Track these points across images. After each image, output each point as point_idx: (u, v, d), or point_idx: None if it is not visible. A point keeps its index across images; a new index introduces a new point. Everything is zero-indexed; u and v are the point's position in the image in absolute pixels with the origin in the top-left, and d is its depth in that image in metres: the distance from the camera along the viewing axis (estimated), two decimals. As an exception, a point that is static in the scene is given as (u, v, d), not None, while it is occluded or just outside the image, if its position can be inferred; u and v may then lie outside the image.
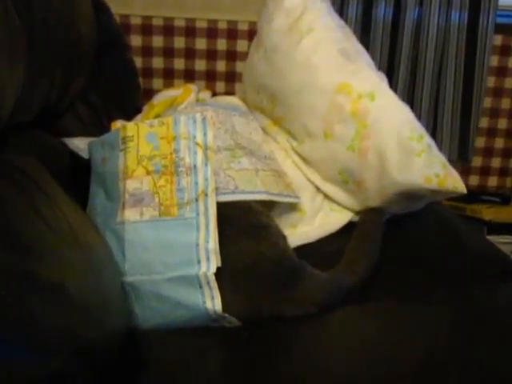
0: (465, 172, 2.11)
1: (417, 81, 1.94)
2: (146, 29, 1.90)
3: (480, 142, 2.09)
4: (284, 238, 0.85)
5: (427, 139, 0.96)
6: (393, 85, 1.91)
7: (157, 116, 1.13)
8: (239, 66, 1.95)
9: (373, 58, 1.12)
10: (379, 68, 1.11)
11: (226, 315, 0.74)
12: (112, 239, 0.77)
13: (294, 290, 0.79)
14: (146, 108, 1.28)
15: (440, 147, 1.02)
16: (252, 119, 1.07)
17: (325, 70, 1.03)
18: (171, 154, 0.78)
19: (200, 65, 1.95)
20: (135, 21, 1.90)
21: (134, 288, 0.75)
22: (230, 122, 0.99)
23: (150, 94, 1.59)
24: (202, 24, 1.91)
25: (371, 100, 0.98)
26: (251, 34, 1.88)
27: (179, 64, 1.95)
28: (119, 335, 0.67)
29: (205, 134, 0.79)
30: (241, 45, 1.93)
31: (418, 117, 1.03)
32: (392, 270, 0.91)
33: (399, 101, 1.01)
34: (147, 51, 1.92)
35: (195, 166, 0.78)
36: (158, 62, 1.94)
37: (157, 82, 1.95)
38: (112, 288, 0.70)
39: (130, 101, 1.34)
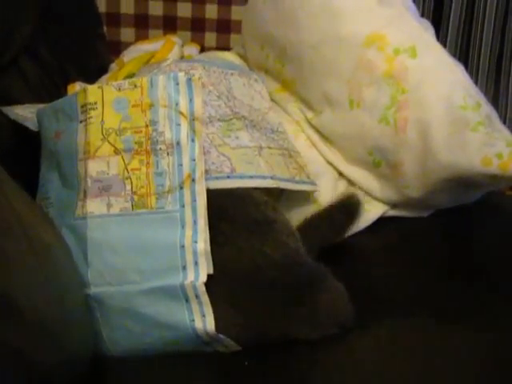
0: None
1: (473, 31, 1.93)
2: (112, -39, 1.90)
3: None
4: (296, 236, 0.86)
5: (486, 108, 0.97)
6: (441, 36, 1.90)
7: (128, 77, 1.14)
8: (236, 12, 1.94)
9: (414, 0, 1.12)
10: (423, 14, 1.12)
11: (221, 336, 0.75)
12: (70, 238, 0.78)
13: (310, 305, 0.80)
14: (113, 66, 1.29)
15: (504, 119, 1.03)
16: (256, 79, 1.08)
17: (351, 17, 1.03)
18: (147, 126, 0.79)
19: (183, 9, 1.95)
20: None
21: (100, 302, 0.76)
22: (226, 84, 0.99)
23: (117, 47, 1.60)
24: (186, -46, 1.91)
25: (412, 57, 0.99)
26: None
27: (156, 9, 1.94)
28: (82, 362, 0.68)
29: (191, 100, 0.80)
30: (238, -18, 1.93)
31: (475, 79, 1.04)
32: (434, 281, 0.92)
33: (449, 58, 1.01)
34: (113, -9, 1.92)
35: (178, 143, 0.79)
36: (127, 6, 1.93)
37: (126, 33, 1.95)
38: (73, 301, 0.71)
39: (91, 56, 1.35)
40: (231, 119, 0.92)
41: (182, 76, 0.80)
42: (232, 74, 1.03)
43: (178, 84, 0.80)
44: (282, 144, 0.98)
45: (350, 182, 1.10)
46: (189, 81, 0.80)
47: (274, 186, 0.89)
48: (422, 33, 1.03)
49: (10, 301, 0.54)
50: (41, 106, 0.92)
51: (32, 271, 0.61)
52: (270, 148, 0.94)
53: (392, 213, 1.09)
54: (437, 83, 0.98)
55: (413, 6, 1.10)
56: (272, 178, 0.89)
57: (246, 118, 0.95)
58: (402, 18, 1.04)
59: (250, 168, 0.87)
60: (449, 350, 0.78)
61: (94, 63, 1.33)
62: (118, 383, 0.74)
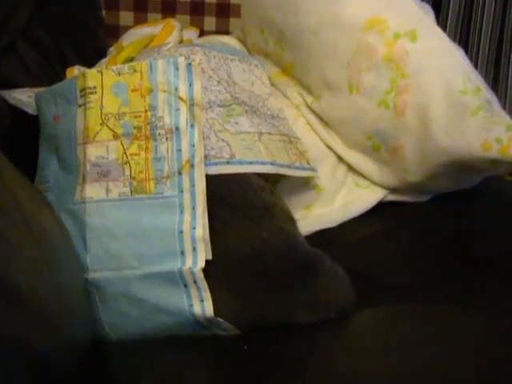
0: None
1: (474, 15, 1.92)
2: None
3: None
4: (293, 221, 0.87)
5: (486, 93, 0.96)
6: (441, 21, 1.89)
7: (127, 61, 1.14)
8: (235, -5, 1.93)
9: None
10: (423, -2, 1.11)
11: (220, 320, 0.76)
12: (69, 223, 0.78)
13: (308, 289, 0.80)
14: (112, 50, 1.28)
15: (503, 104, 1.03)
16: (256, 65, 1.07)
17: (350, 0, 1.02)
18: (146, 111, 0.79)
19: (183, -7, 1.94)
20: None
21: (99, 287, 0.76)
22: (226, 69, 0.99)
23: (116, 31, 1.59)
24: None
25: (412, 41, 0.98)
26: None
27: (154, -9, 1.93)
28: (81, 348, 0.68)
29: (190, 85, 0.80)
30: (238, -35, 1.91)
31: (475, 64, 1.03)
32: (434, 266, 0.92)
33: (449, 42, 1.01)
34: (112, -26, 1.91)
35: (178, 128, 0.78)
36: (126, -11, 1.93)
37: (125, 16, 1.94)
38: (73, 287, 0.71)
39: (90, 40, 1.34)
40: (231, 105, 0.92)
41: (181, 61, 0.80)
42: (232, 60, 1.02)
43: (177, 69, 0.80)
44: (282, 130, 0.98)
45: (350, 167, 1.10)
46: (188, 66, 0.80)
47: (274, 171, 0.89)
48: (423, 17, 1.02)
49: (10, 287, 0.54)
50: (39, 89, 0.92)
51: (32, 257, 0.61)
52: (270, 134, 0.93)
53: (391, 197, 1.09)
54: (437, 67, 0.98)
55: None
56: (272, 163, 0.89)
57: (246, 104, 0.95)
58: (402, 1, 1.03)
59: (250, 154, 0.87)
60: (448, 336, 0.77)
61: (93, 47, 1.33)
62: (117, 368, 0.74)
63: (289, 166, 0.93)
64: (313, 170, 0.99)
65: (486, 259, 0.94)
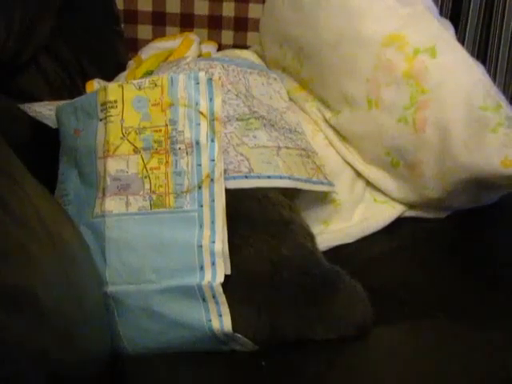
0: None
1: (492, 30, 1.92)
2: (130, -42, 1.90)
3: None
4: (312, 237, 0.86)
5: (506, 109, 0.96)
6: (459, 35, 1.89)
7: (146, 74, 1.14)
8: (253, 10, 1.94)
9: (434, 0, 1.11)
10: (442, 13, 1.11)
11: (239, 336, 0.75)
12: (89, 236, 0.78)
13: (326, 305, 0.80)
14: (131, 64, 1.29)
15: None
16: (274, 78, 1.08)
17: (370, 16, 1.03)
18: (166, 125, 0.79)
19: (200, 7, 1.95)
20: None
21: (118, 301, 0.76)
22: (244, 83, 0.99)
23: (135, 45, 1.60)
24: (203, -48, 1.91)
25: (432, 56, 0.98)
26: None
27: (173, 6, 1.94)
28: (100, 361, 0.68)
29: (211, 100, 0.80)
30: (256, -20, 1.92)
31: (493, 79, 1.03)
32: (452, 283, 0.92)
33: (469, 58, 1.01)
34: (131, -12, 1.92)
35: (198, 143, 0.79)
36: (145, 3, 1.94)
37: (143, 30, 1.95)
38: (92, 300, 0.71)
39: (109, 54, 1.35)
40: (249, 118, 0.92)
41: (202, 76, 0.80)
42: (251, 73, 1.03)
43: (198, 83, 0.80)
44: (299, 144, 0.98)
45: (368, 182, 1.10)
46: (209, 81, 0.80)
47: (292, 186, 0.89)
48: (442, 32, 1.02)
49: (32, 299, 0.55)
50: (60, 103, 0.93)
51: (53, 270, 0.61)
52: (287, 148, 0.93)
53: (410, 213, 1.09)
54: (457, 83, 0.97)
55: (432, 5, 1.09)
56: (290, 178, 0.89)
57: (264, 118, 0.95)
58: (421, 17, 1.03)
59: (268, 168, 0.87)
60: (466, 353, 0.77)
61: (112, 60, 1.34)
62: (135, 382, 0.74)
63: (306, 181, 0.93)
64: (331, 184, 0.99)
65: (505, 276, 0.94)
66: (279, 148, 0.92)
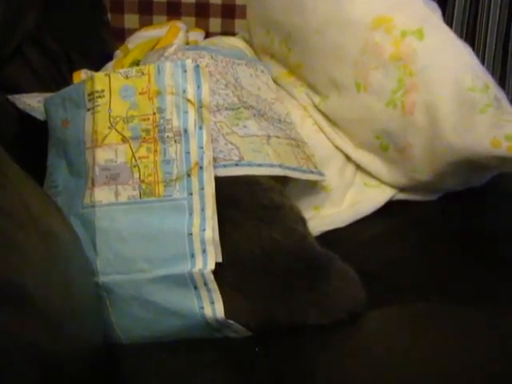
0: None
1: (480, 11, 1.92)
2: None
3: None
4: (304, 221, 0.86)
5: (495, 90, 0.96)
6: (447, 17, 1.89)
7: (134, 63, 1.14)
8: (240, -4, 1.93)
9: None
10: (429, -5, 1.10)
11: (231, 322, 0.76)
12: (79, 227, 0.78)
13: (318, 290, 0.80)
14: (118, 53, 1.29)
15: (511, 99, 1.02)
16: (262, 70, 1.08)
17: (357, 0, 1.02)
18: (154, 114, 0.79)
19: (188, -6, 1.94)
20: None
21: (109, 291, 0.76)
22: (233, 74, 0.99)
23: (121, 34, 1.59)
24: None
25: (419, 39, 0.98)
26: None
27: (159, -7, 1.94)
28: (93, 351, 0.68)
29: (198, 88, 0.80)
30: (242, -34, 1.91)
31: (482, 59, 1.03)
32: (445, 266, 0.92)
33: (457, 40, 1.01)
34: (116, -24, 1.91)
35: (186, 131, 0.78)
36: (131, -8, 1.93)
37: (130, 19, 1.94)
38: (83, 290, 0.71)
39: (96, 43, 1.35)
40: (239, 108, 0.92)
41: (189, 63, 0.80)
42: (239, 64, 1.02)
43: (185, 71, 0.80)
44: (289, 134, 0.98)
45: (358, 166, 1.10)
46: (196, 68, 0.80)
47: (282, 174, 0.89)
48: (429, 15, 1.02)
49: (22, 291, 0.54)
50: (48, 94, 0.92)
51: (42, 261, 0.61)
52: (277, 137, 0.93)
53: (400, 196, 1.09)
54: (444, 65, 0.98)
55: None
56: (280, 166, 0.89)
57: (253, 108, 0.95)
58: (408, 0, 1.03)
59: (259, 156, 0.87)
60: (461, 336, 0.77)
61: (99, 50, 1.33)
62: (129, 371, 0.74)
63: (297, 169, 0.93)
64: (321, 174, 0.99)
65: (498, 258, 0.94)
66: (269, 137, 0.92)
